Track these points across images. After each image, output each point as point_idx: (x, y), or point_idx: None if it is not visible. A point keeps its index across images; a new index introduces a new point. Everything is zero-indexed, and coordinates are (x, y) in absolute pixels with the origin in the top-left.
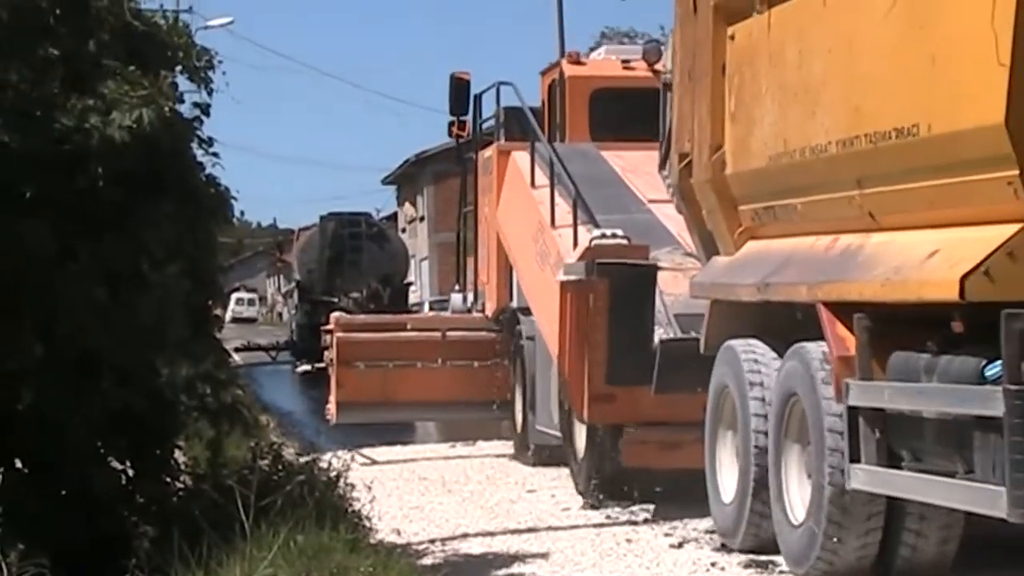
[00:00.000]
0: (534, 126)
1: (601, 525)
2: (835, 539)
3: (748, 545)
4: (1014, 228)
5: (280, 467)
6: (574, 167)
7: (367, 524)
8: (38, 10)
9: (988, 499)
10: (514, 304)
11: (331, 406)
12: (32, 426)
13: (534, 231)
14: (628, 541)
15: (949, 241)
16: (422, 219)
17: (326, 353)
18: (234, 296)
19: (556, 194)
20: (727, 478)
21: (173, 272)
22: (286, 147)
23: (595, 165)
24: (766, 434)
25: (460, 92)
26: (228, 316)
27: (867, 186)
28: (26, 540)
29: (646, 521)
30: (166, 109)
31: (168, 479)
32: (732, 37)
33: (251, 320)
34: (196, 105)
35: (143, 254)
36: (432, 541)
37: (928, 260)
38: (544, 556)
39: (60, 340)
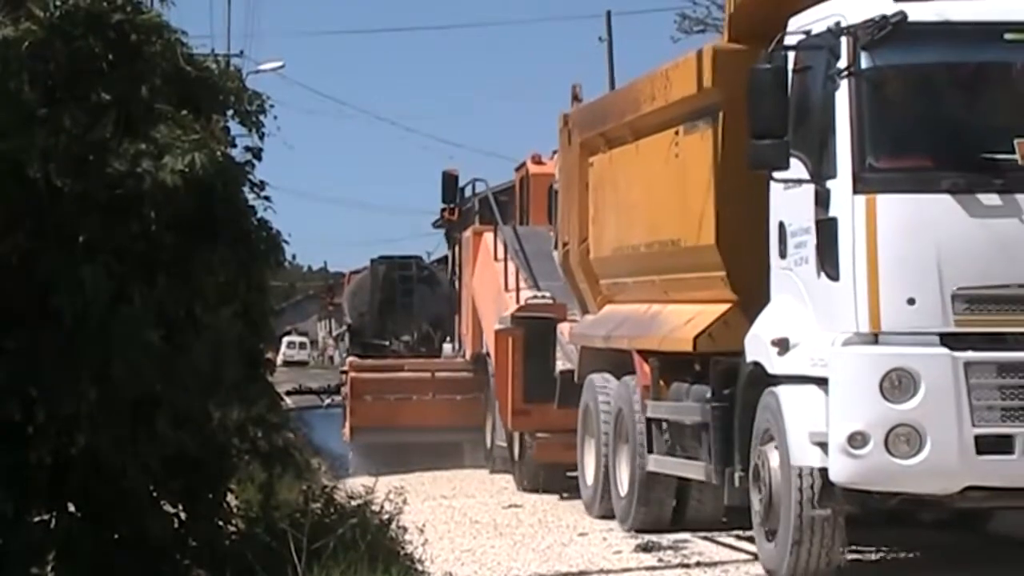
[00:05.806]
0: (496, 215)
1: (653, 568)
2: (645, 503)
3: (602, 513)
4: (726, 306)
5: (332, 510)
6: (529, 245)
7: (419, 567)
8: (92, 56)
9: (706, 471)
10: (484, 350)
11: (346, 430)
12: (86, 470)
13: (495, 294)
14: None
15: (698, 312)
16: None
17: (343, 389)
18: (285, 340)
19: (510, 265)
20: (589, 469)
21: (226, 315)
22: (337, 190)
23: (546, 243)
24: (608, 438)
25: (450, 184)
26: (279, 359)
27: (661, 274)
28: None
29: (699, 564)
30: (218, 153)
31: (221, 523)
32: (591, 164)
33: (302, 363)
34: (248, 149)
35: (197, 297)
36: None
37: (685, 325)
38: None
39: (115, 383)
